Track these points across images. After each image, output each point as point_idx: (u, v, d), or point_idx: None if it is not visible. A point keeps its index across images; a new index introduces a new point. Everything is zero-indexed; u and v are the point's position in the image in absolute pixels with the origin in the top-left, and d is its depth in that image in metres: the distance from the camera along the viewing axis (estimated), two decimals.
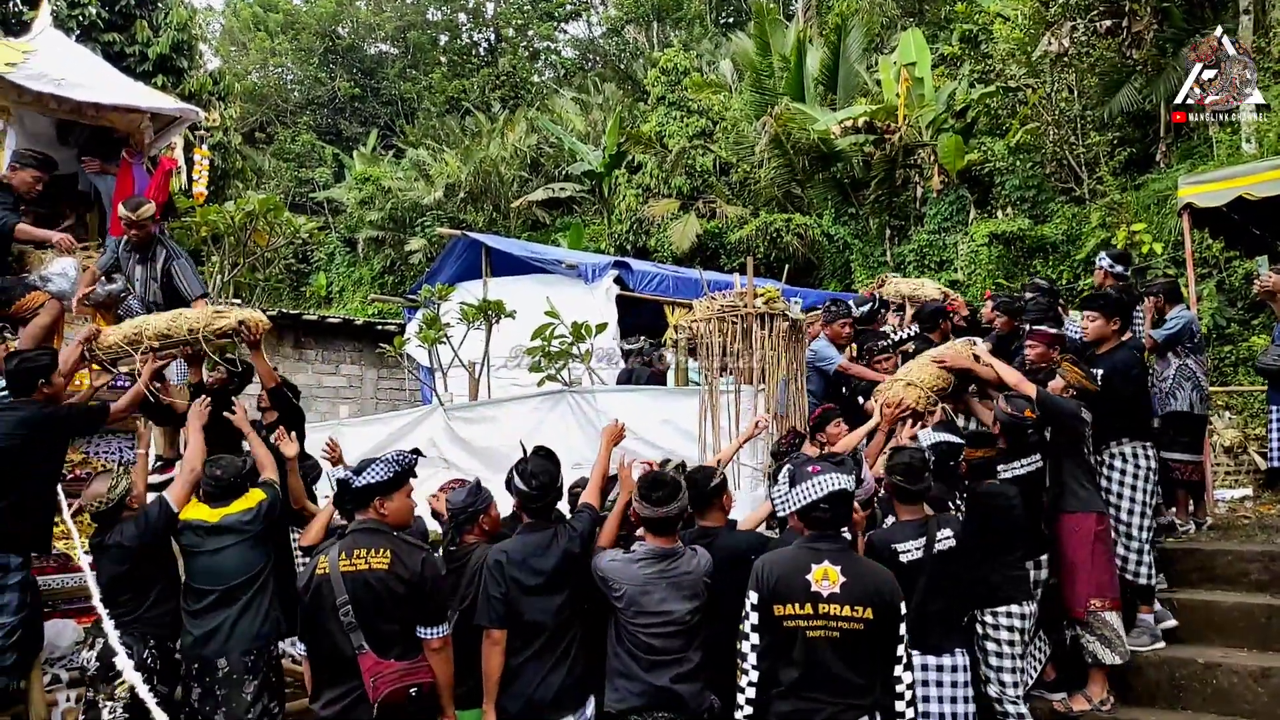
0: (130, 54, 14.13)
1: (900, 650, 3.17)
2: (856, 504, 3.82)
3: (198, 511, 4.11)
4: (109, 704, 4.00)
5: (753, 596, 3.17)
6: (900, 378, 4.87)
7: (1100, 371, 4.80)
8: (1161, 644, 4.77)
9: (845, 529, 3.39)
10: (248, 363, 5.14)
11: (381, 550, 3.35)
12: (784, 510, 3.38)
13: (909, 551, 3.83)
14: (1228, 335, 10.87)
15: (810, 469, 3.25)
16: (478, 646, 3.49)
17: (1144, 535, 4.80)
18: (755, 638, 3.14)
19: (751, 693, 3.13)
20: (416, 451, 3.66)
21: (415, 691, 3.26)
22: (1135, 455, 4.87)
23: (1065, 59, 13.39)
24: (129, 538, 4.10)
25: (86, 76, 5.96)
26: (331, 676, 3.35)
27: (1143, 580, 4.80)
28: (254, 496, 4.16)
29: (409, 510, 3.64)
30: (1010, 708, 4.14)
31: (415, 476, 3.62)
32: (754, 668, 3.13)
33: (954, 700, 3.81)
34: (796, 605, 3.10)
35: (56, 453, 4.49)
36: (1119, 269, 6.16)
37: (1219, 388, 9.99)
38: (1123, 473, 4.88)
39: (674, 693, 3.36)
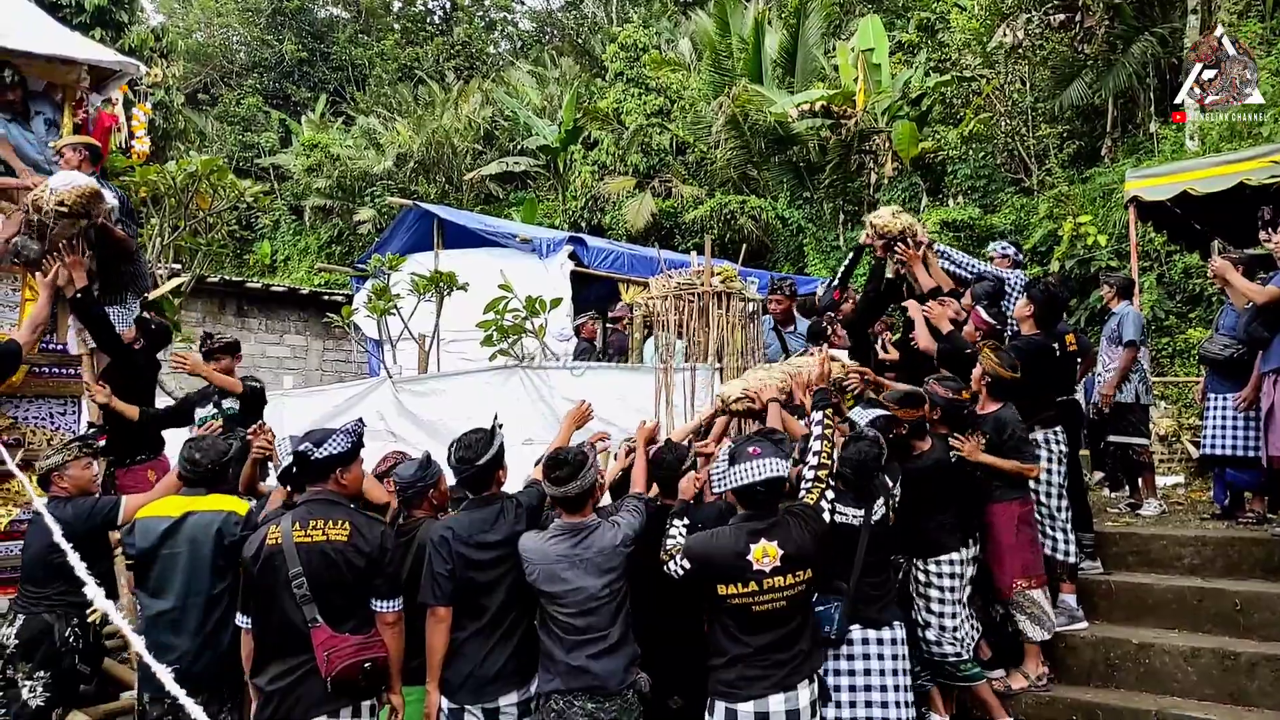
0: (66, 5, 13.52)
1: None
2: None
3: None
4: (28, 683, 3.85)
5: (687, 564, 3.27)
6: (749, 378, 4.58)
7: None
8: (1083, 624, 4.95)
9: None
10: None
11: (341, 522, 3.26)
12: (720, 487, 3.37)
13: (846, 516, 3.82)
14: (1166, 327, 11.15)
15: (751, 450, 3.26)
16: (424, 622, 3.42)
17: (1064, 515, 4.97)
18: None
19: None
20: (361, 421, 3.56)
21: (369, 665, 3.19)
22: (1049, 441, 5.00)
23: (1019, 51, 13.61)
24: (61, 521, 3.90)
25: (16, 23, 5.63)
26: (279, 650, 3.25)
27: (1072, 559, 4.98)
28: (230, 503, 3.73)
29: (361, 480, 3.58)
30: (949, 648, 4.25)
31: (364, 446, 3.54)
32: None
33: (895, 673, 3.84)
34: (740, 585, 3.17)
35: None
36: (1019, 256, 6.51)
37: (1156, 378, 10.28)
38: (1045, 458, 4.96)
39: (591, 671, 3.31)
